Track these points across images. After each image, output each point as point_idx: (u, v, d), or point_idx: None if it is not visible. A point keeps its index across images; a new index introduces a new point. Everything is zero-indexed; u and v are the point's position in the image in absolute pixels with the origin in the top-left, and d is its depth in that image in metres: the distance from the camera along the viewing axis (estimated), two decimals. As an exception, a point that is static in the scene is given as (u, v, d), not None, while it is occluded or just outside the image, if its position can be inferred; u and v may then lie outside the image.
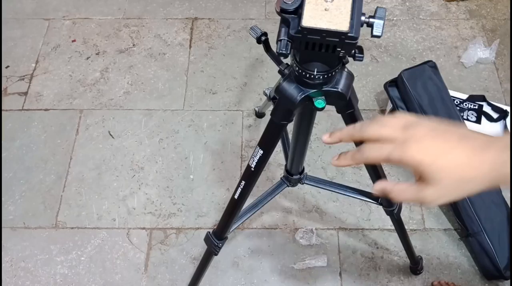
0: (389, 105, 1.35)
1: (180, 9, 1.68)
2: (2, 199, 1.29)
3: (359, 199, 0.95)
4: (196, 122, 1.42)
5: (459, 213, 1.18)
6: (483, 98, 1.32)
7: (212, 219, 1.25)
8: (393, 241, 1.22)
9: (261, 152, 0.68)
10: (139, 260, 1.20)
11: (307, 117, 0.67)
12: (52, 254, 1.21)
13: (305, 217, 1.26)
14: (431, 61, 1.32)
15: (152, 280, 1.17)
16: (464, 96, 1.33)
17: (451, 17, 1.65)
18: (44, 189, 1.30)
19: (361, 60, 0.51)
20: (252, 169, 0.71)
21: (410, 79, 1.27)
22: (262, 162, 0.69)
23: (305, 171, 0.90)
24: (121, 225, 1.25)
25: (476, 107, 1.31)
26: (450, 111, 1.24)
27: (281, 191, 0.94)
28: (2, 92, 1.48)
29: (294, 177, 0.89)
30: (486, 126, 1.27)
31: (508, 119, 1.28)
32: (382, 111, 1.43)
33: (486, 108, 1.31)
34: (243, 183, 0.74)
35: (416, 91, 1.25)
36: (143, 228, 1.24)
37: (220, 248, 0.90)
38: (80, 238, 1.23)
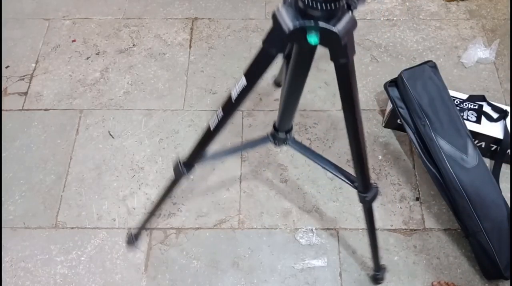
0: (389, 105, 1.35)
1: (180, 9, 1.68)
2: (2, 199, 1.29)
3: (335, 176, 0.94)
4: (196, 122, 1.42)
5: (459, 212, 1.18)
6: (483, 98, 1.32)
7: (212, 219, 1.25)
8: (393, 241, 1.22)
9: (245, 82, 0.66)
10: (139, 260, 1.20)
11: (301, 60, 0.65)
12: (52, 254, 1.21)
13: (305, 217, 1.26)
14: (431, 61, 1.33)
15: (152, 280, 1.17)
16: (464, 96, 1.33)
17: (451, 17, 1.65)
18: (44, 189, 1.30)
19: (356, 8, 0.50)
20: (233, 101, 0.69)
21: (410, 79, 1.27)
22: (244, 93, 0.67)
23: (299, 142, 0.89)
24: (121, 225, 1.25)
25: (476, 107, 1.31)
26: (450, 111, 1.24)
27: (263, 145, 0.92)
28: (2, 92, 1.48)
29: (280, 135, 0.88)
30: (486, 126, 1.28)
31: (508, 119, 1.28)
32: (382, 111, 1.43)
33: (486, 108, 1.31)
34: (221, 113, 0.72)
35: (416, 91, 1.25)
36: (143, 228, 1.24)
37: (185, 175, 0.90)
38: (80, 238, 1.23)
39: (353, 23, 0.56)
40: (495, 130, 1.27)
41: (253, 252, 1.21)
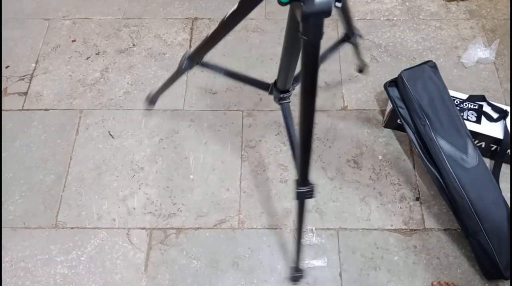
0: (389, 105, 1.35)
1: (180, 9, 1.68)
2: (2, 199, 1.29)
3: (293, 157, 1.01)
4: (196, 122, 1.42)
5: (459, 213, 1.18)
6: (483, 98, 1.32)
7: (212, 219, 1.25)
8: (393, 241, 1.22)
9: (235, 8, 0.77)
10: (139, 260, 1.20)
11: (291, 24, 0.73)
12: (52, 254, 1.21)
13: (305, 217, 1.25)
14: (431, 61, 1.32)
15: (152, 280, 1.17)
16: (464, 96, 1.33)
17: (451, 17, 1.65)
18: (44, 189, 1.30)
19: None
20: (224, 19, 0.82)
21: (410, 79, 1.27)
22: (233, 18, 0.80)
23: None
24: (121, 225, 1.25)
25: (476, 107, 1.31)
26: (450, 111, 1.24)
27: (259, 89, 1.10)
28: (2, 92, 1.48)
29: (276, 91, 1.01)
30: (486, 126, 1.27)
31: (508, 119, 1.28)
32: (382, 112, 1.43)
33: (486, 108, 1.31)
34: (218, 26, 0.87)
35: (416, 91, 1.25)
36: (143, 228, 1.24)
37: (184, 69, 1.08)
38: (80, 238, 1.23)
39: (325, 8, 0.59)
40: (495, 130, 1.27)
41: (253, 252, 1.21)
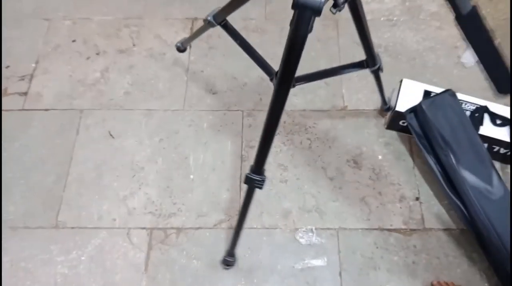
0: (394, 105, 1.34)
1: (180, 9, 1.68)
2: (2, 199, 1.29)
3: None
4: (196, 122, 1.42)
5: (485, 245, 1.15)
6: (486, 108, 1.30)
7: (212, 219, 1.25)
8: (393, 241, 1.22)
9: None
10: (139, 260, 1.20)
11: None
12: (52, 254, 1.21)
13: (305, 217, 1.26)
14: (450, 89, 1.29)
15: (152, 280, 1.17)
16: (470, 98, 1.30)
17: (451, 17, 1.65)
18: (44, 189, 1.30)
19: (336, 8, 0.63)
20: None
21: (430, 108, 1.23)
22: None
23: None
24: (121, 225, 1.25)
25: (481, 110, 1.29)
26: (472, 140, 1.21)
27: (263, 72, 1.15)
28: (2, 92, 1.48)
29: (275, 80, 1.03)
30: (489, 128, 1.26)
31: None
32: (382, 112, 1.43)
33: (491, 110, 1.29)
34: None
35: (437, 121, 1.22)
36: (143, 228, 1.24)
37: (210, 26, 1.13)
38: (80, 238, 1.23)
39: (313, 4, 0.61)
40: (498, 132, 1.26)
41: (253, 252, 1.21)
